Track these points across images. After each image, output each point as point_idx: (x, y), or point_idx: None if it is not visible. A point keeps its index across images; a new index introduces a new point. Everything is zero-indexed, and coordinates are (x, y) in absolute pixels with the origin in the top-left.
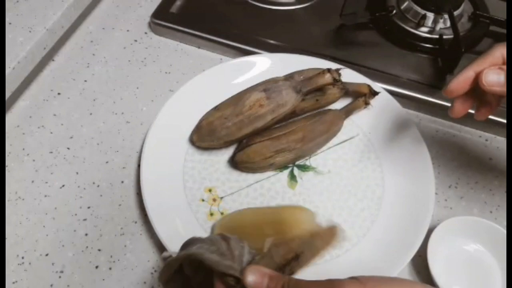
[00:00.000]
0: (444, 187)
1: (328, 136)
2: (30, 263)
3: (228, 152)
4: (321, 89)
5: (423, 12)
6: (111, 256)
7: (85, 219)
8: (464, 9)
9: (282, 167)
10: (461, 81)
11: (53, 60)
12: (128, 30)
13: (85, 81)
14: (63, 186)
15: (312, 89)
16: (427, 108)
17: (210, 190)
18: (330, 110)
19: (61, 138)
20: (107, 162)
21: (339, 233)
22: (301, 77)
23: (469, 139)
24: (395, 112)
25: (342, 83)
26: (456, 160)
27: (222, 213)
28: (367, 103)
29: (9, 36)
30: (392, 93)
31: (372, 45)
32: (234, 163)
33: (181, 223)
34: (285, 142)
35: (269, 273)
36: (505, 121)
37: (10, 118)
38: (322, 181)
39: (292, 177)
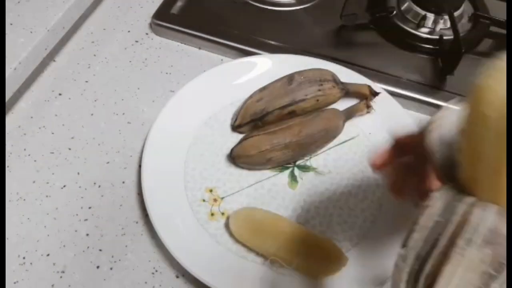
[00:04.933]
0: None
1: (327, 135)
2: (31, 263)
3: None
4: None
5: (423, 13)
6: (112, 256)
7: (86, 219)
8: (464, 10)
9: (281, 166)
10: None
11: (54, 60)
12: (129, 31)
13: (86, 81)
14: (64, 186)
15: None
16: (427, 109)
17: (211, 191)
18: (329, 108)
19: (62, 139)
20: (108, 163)
21: None
22: (302, 77)
23: None
24: (395, 113)
25: (342, 83)
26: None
27: (222, 214)
28: (368, 106)
29: (10, 37)
30: (392, 93)
31: (372, 45)
32: (232, 158)
33: (182, 223)
34: (281, 136)
35: None
36: None
37: (11, 119)
38: (322, 181)
39: (293, 177)
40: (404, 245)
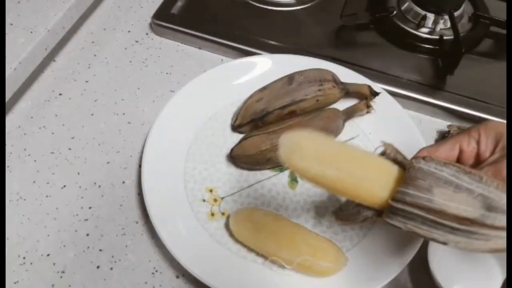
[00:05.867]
0: None
1: (326, 134)
2: (31, 263)
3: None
4: (322, 89)
5: (423, 13)
6: (113, 256)
7: (86, 220)
8: (464, 10)
9: (281, 166)
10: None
11: (54, 60)
12: (129, 31)
13: (86, 81)
14: (65, 186)
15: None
16: (427, 109)
17: (211, 191)
18: (329, 108)
19: (62, 139)
20: (108, 163)
21: None
22: (302, 77)
23: None
24: (395, 113)
25: (343, 83)
26: None
27: (223, 214)
28: (369, 106)
29: (10, 37)
30: (392, 93)
31: (372, 45)
32: (232, 158)
33: (182, 223)
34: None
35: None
36: (505, 121)
37: (12, 119)
38: None
39: (293, 177)
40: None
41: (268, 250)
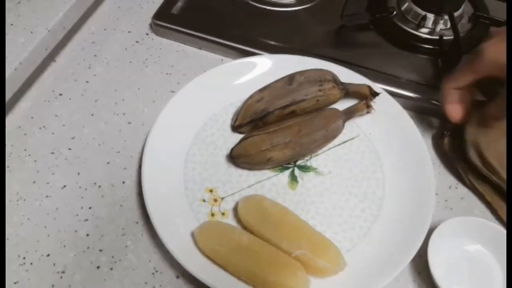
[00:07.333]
0: (445, 188)
1: (326, 134)
2: (31, 264)
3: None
4: (323, 90)
5: (423, 13)
6: (113, 257)
7: (86, 220)
8: (464, 10)
9: (281, 166)
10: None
11: (54, 61)
12: (129, 31)
13: (87, 82)
14: (65, 186)
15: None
16: (427, 109)
17: (211, 191)
18: (329, 108)
19: (62, 139)
20: (108, 163)
21: None
22: (302, 77)
23: None
24: (395, 113)
25: (343, 83)
26: None
27: (223, 214)
28: (369, 106)
29: (10, 37)
30: (392, 94)
31: (372, 46)
32: (232, 158)
33: (182, 224)
34: (281, 136)
35: None
36: None
37: (12, 119)
38: (323, 181)
39: (293, 177)
40: None
41: (269, 238)
